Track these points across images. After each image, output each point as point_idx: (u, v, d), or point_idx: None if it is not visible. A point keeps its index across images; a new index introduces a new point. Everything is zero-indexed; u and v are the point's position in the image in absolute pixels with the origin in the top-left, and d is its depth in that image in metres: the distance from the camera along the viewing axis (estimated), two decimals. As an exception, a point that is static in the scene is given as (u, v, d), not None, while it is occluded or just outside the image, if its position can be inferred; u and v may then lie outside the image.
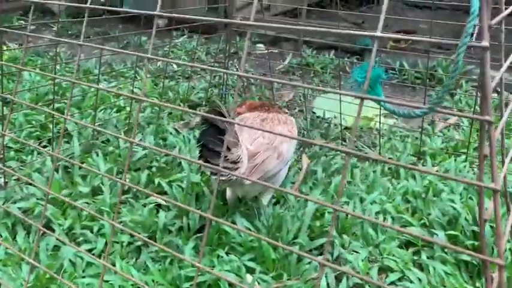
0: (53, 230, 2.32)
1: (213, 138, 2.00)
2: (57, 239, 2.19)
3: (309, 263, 2.17)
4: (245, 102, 2.90)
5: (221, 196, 2.62)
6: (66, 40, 6.07)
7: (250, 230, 2.33)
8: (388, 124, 4.07)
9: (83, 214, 2.42)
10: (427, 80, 5.27)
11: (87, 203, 2.53)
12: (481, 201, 0.94)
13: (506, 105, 4.14)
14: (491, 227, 2.29)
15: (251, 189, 2.32)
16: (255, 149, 2.24)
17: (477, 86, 5.02)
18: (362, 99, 0.93)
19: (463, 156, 3.37)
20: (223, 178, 2.05)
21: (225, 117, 1.97)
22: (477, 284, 2.12)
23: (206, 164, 1.86)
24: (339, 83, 3.77)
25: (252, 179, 2.16)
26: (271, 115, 2.60)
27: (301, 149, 3.34)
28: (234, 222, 2.38)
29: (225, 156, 2.04)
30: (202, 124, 2.08)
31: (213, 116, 1.56)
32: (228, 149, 2.05)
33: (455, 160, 3.39)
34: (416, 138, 3.89)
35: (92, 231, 2.31)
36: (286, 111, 2.75)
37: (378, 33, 0.88)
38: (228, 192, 2.50)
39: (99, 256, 2.19)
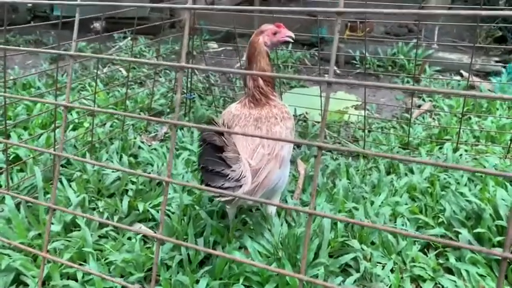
0: (26, 285, 1.89)
1: (212, 158, 1.76)
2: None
3: (339, 284, 1.92)
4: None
5: (219, 216, 2.31)
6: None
7: (265, 254, 2.05)
8: (361, 116, 3.90)
9: (60, 258, 2.01)
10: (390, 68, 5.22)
11: (62, 244, 2.10)
12: None
13: (472, 87, 4.11)
14: (516, 219, 2.16)
15: (255, 203, 2.03)
16: (257, 164, 1.95)
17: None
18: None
19: (448, 143, 3.27)
20: (227, 199, 1.81)
21: (221, 133, 1.70)
22: (515, 283, 1.97)
23: (208, 188, 1.54)
24: (319, 73, 3.53)
25: (256, 198, 1.89)
26: (265, 111, 2.19)
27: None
28: (244, 247, 2.07)
29: (227, 175, 1.76)
30: (200, 144, 1.80)
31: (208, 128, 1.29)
32: (229, 166, 1.77)
33: (440, 148, 3.31)
34: (395, 128, 3.78)
35: (76, 280, 1.90)
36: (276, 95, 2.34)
37: (341, 9, 0.82)
38: (229, 211, 2.20)
39: (92, 310, 1.80)
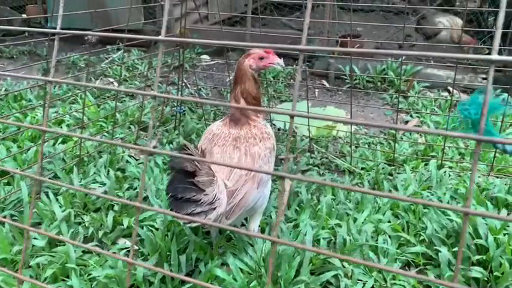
0: (8, 301, 1.91)
1: (182, 184, 1.73)
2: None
3: (318, 302, 1.94)
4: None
5: (204, 232, 2.34)
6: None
7: (247, 271, 2.07)
8: (349, 132, 3.93)
9: (43, 274, 2.02)
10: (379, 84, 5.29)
11: (46, 259, 2.12)
12: None
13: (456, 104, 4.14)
14: (495, 238, 2.20)
15: (235, 221, 2.03)
16: (234, 185, 1.94)
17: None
18: (478, 142, 0.72)
19: (433, 160, 3.31)
20: (197, 225, 1.80)
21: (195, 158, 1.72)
22: (492, 302, 2.01)
23: (181, 215, 1.49)
24: (306, 94, 3.58)
25: (231, 220, 1.90)
26: (244, 131, 2.18)
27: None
28: (226, 264, 2.10)
29: (199, 200, 1.73)
30: (170, 171, 1.78)
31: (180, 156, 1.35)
32: (202, 190, 1.75)
33: (425, 165, 3.35)
34: (382, 144, 3.82)
35: (57, 296, 1.92)
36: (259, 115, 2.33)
37: (303, 46, 0.84)
38: (211, 229, 2.23)
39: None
